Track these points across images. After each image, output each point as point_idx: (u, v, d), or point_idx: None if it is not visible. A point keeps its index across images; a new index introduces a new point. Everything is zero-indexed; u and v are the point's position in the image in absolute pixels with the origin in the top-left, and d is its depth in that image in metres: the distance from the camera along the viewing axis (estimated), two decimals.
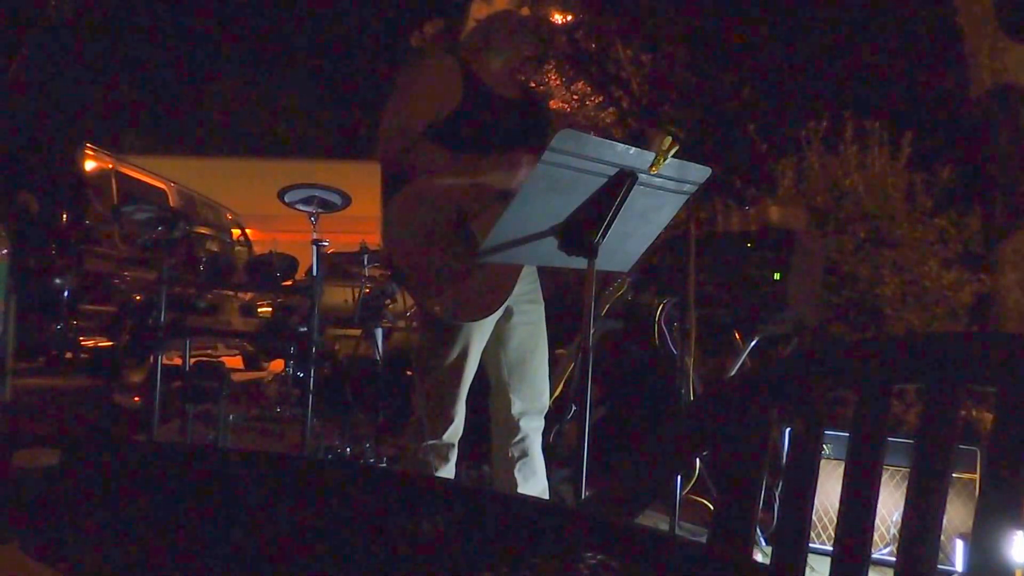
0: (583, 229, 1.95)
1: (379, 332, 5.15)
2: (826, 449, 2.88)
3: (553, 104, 9.88)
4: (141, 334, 7.37)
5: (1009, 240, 4.48)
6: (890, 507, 2.74)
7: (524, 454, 2.55)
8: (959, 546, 2.79)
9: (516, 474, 2.54)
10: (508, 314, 2.50)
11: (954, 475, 2.76)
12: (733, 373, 3.39)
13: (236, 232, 10.34)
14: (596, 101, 10.12)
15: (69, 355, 7.71)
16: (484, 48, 2.47)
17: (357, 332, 5.34)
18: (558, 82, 10.15)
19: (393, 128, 2.37)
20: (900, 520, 0.99)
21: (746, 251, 3.43)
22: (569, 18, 2.67)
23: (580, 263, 1.99)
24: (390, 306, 5.25)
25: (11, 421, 4.89)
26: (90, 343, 7.43)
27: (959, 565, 2.76)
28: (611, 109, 9.96)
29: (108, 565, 0.67)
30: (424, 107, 2.37)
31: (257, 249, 9.88)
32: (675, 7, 9.49)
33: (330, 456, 4.06)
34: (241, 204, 11.22)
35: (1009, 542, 0.92)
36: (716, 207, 4.87)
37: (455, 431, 2.48)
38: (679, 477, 2.79)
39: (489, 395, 2.60)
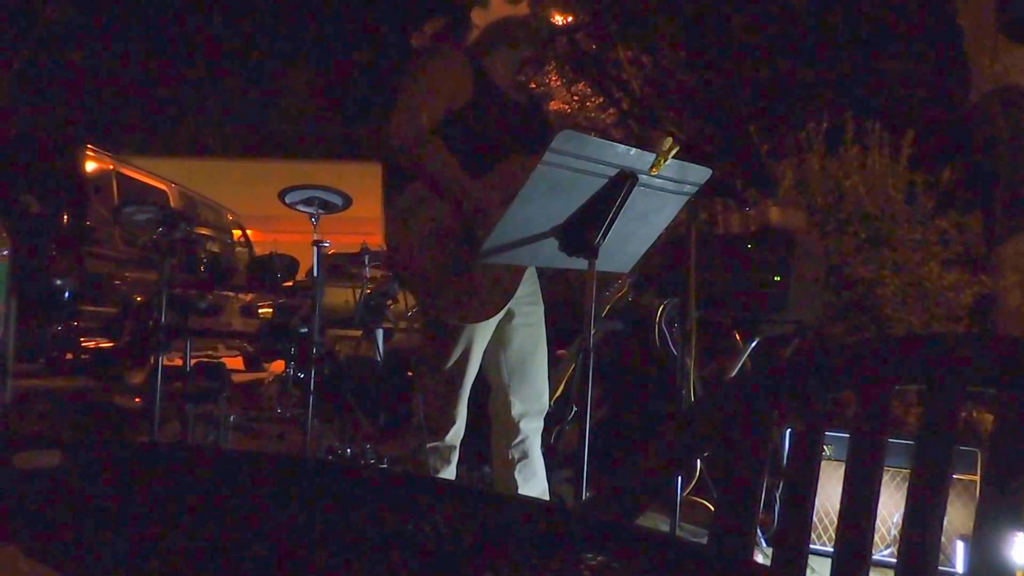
0: (584, 230, 1.95)
1: (380, 333, 5.15)
2: (827, 450, 2.88)
3: (554, 105, 9.90)
4: (142, 335, 7.37)
5: (1010, 241, 4.47)
6: (891, 508, 2.74)
7: (524, 455, 2.55)
8: (960, 547, 2.79)
9: (516, 475, 2.54)
10: (509, 316, 2.50)
11: (955, 476, 2.76)
12: (733, 374, 3.39)
13: (237, 233, 10.34)
14: (596, 102, 10.13)
15: (70, 356, 7.71)
16: (487, 52, 2.48)
17: (358, 333, 5.34)
18: (558, 83, 10.16)
19: (408, 116, 2.33)
20: (901, 521, 0.99)
21: (746, 252, 3.43)
22: (569, 19, 2.68)
23: (581, 264, 1.99)
24: (391, 307, 5.26)
25: (11, 422, 4.89)
26: (91, 344, 7.43)
27: (960, 566, 2.75)
28: (611, 110, 9.97)
29: (108, 566, 0.67)
30: (436, 99, 2.35)
31: (258, 250, 9.87)
32: (675, 8, 9.49)
33: (331, 457, 4.06)
34: (242, 205, 11.22)
35: (1009, 543, 0.92)
36: (716, 208, 4.87)
37: (457, 433, 2.48)
38: (680, 478, 2.79)
39: (489, 397, 2.60)
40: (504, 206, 1.94)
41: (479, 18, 2.49)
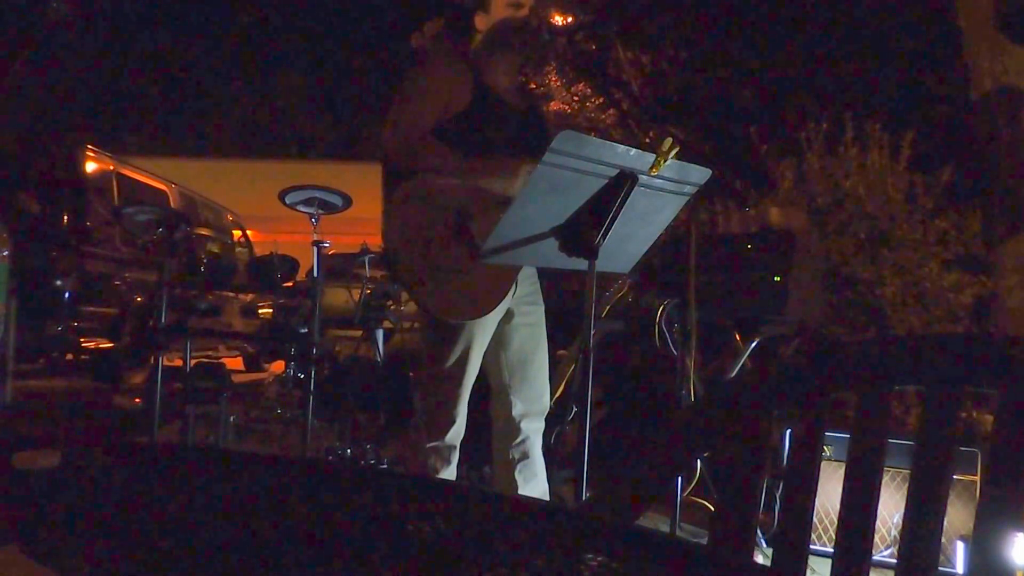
0: (584, 230, 1.95)
1: (380, 333, 5.15)
2: (827, 450, 2.88)
3: (554, 106, 9.89)
4: (142, 335, 7.38)
5: (1010, 242, 4.47)
6: (891, 509, 2.74)
7: (525, 456, 2.55)
8: (960, 548, 2.79)
9: (517, 476, 2.54)
10: (509, 316, 2.50)
11: (955, 477, 2.76)
12: (733, 374, 3.39)
13: (237, 233, 10.34)
14: (597, 103, 10.11)
15: (70, 357, 7.72)
16: (488, 57, 2.49)
17: (358, 333, 5.34)
18: (558, 84, 10.16)
19: (401, 122, 2.36)
20: (901, 522, 0.99)
21: (747, 252, 3.43)
22: (569, 20, 2.68)
23: (581, 264, 1.99)
24: (391, 307, 5.26)
25: (11, 423, 4.89)
26: (91, 345, 7.43)
27: (960, 567, 2.75)
28: (611, 111, 9.96)
29: (108, 566, 0.67)
30: (433, 105, 2.37)
31: (258, 250, 9.88)
32: (675, 9, 9.49)
33: (331, 458, 4.06)
34: (242, 205, 11.22)
35: (1010, 544, 0.92)
36: (716, 209, 4.87)
37: (457, 433, 2.48)
38: (680, 478, 2.79)
39: (490, 397, 2.60)
40: (502, 206, 1.94)
41: (480, 22, 2.49)
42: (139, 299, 7.64)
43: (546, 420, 2.64)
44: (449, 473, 2.49)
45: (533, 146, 2.40)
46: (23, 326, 5.50)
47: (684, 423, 1.25)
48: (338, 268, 6.05)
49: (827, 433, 1.16)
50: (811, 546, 1.07)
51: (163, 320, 4.10)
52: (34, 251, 6.65)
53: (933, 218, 4.53)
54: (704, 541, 1.33)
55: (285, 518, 0.83)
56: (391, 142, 2.36)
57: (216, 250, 8.70)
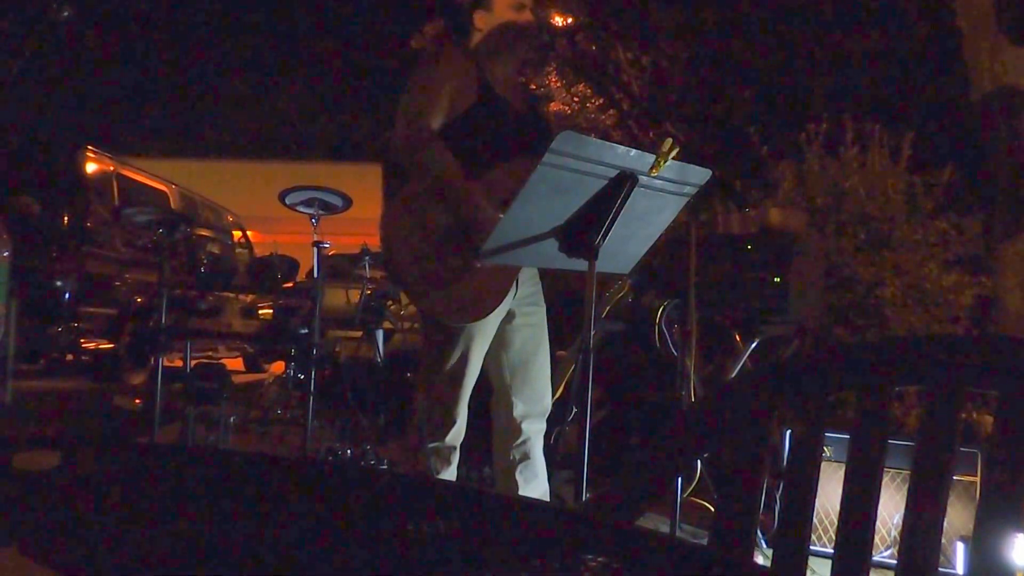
0: (584, 231, 1.95)
1: (380, 334, 5.16)
2: (827, 451, 2.88)
3: (554, 106, 9.88)
4: (142, 336, 7.38)
5: (1010, 243, 4.47)
6: (891, 509, 2.74)
7: (525, 456, 2.55)
8: (960, 548, 2.78)
9: (517, 476, 2.54)
10: (510, 316, 2.50)
11: (955, 477, 2.75)
12: (734, 375, 3.39)
13: (237, 234, 10.34)
14: (597, 103, 10.10)
15: (70, 357, 7.72)
16: (490, 57, 2.48)
17: (358, 334, 5.34)
18: (559, 84, 10.15)
19: (410, 118, 2.36)
20: (901, 523, 0.99)
21: (746, 253, 3.43)
22: (570, 21, 2.68)
23: (581, 265, 1.99)
24: (391, 307, 5.26)
25: (11, 423, 4.89)
26: (91, 345, 7.44)
27: (960, 568, 2.75)
28: (612, 111, 9.95)
29: (108, 566, 0.67)
30: (442, 101, 2.37)
31: (258, 251, 9.89)
32: (675, 10, 9.49)
33: (331, 458, 4.06)
34: (242, 206, 11.23)
35: (1010, 544, 0.92)
36: (716, 209, 4.86)
37: (457, 433, 2.48)
38: (680, 479, 2.79)
39: (491, 397, 2.60)
40: (503, 210, 1.94)
41: (481, 21, 2.49)
42: (139, 300, 7.64)
43: (546, 420, 2.64)
44: (449, 474, 2.49)
45: (535, 146, 2.40)
46: (23, 326, 5.50)
47: (684, 423, 1.25)
48: (338, 269, 6.05)
49: (827, 433, 1.16)
50: (811, 546, 1.07)
51: (163, 321, 4.10)
52: (34, 251, 6.66)
53: (933, 219, 4.52)
54: (704, 541, 1.33)
55: (285, 519, 0.83)
56: (402, 138, 2.35)
57: (216, 251, 8.70)
